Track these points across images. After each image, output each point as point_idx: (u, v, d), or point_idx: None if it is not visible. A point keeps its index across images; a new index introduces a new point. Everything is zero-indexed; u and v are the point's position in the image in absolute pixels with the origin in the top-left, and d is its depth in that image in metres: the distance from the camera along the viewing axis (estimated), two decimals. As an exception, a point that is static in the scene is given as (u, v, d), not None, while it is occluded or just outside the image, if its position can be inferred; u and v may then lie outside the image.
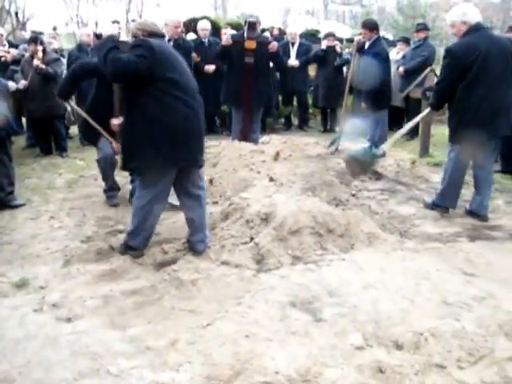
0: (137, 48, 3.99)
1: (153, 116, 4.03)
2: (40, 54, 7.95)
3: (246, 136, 7.61)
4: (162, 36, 4.34)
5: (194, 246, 4.40)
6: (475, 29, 5.07)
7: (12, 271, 4.18)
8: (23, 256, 4.49)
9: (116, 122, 4.45)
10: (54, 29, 8.78)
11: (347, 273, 4.01)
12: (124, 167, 4.49)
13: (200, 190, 4.46)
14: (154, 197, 4.24)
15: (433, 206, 5.51)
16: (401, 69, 9.75)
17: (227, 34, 7.69)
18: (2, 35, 9.69)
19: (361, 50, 7.98)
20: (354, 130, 7.78)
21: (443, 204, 5.44)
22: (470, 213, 5.35)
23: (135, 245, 4.36)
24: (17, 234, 5.03)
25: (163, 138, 4.03)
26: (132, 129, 4.15)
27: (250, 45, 7.42)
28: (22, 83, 8.00)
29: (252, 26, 7.51)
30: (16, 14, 13.00)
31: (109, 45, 4.05)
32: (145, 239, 4.40)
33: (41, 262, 4.36)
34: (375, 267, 4.06)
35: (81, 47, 9.15)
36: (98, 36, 8.78)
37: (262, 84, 7.68)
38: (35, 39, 8.24)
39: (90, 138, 5.87)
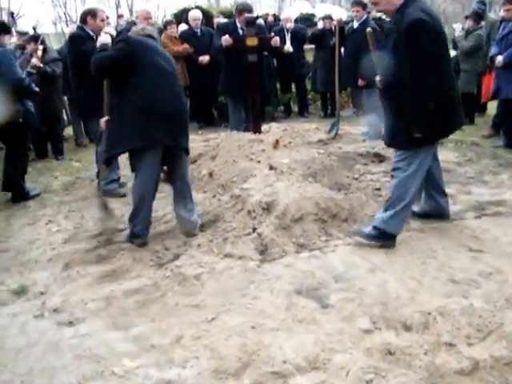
0: (117, 43, 4.57)
1: (130, 100, 4.37)
2: (39, 53, 7.88)
3: (259, 126, 7.62)
4: (150, 37, 4.67)
5: (182, 224, 4.71)
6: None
7: (10, 279, 4.20)
8: (21, 262, 4.51)
9: (103, 120, 4.66)
10: (34, 29, 8.72)
11: (353, 257, 4.05)
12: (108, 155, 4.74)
13: (187, 182, 4.77)
14: (140, 181, 4.54)
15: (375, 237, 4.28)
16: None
17: (226, 35, 7.59)
18: None
19: (342, 30, 8.26)
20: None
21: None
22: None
23: (137, 231, 4.57)
24: (14, 240, 5.05)
25: (139, 119, 4.34)
26: (116, 117, 4.52)
27: (252, 42, 7.37)
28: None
29: (251, 22, 7.48)
30: (12, 14, 13.05)
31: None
32: (145, 227, 4.63)
33: (40, 268, 4.38)
34: (381, 249, 4.08)
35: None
36: None
37: (264, 78, 7.83)
38: (35, 38, 8.20)
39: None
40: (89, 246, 4.70)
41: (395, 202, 4.21)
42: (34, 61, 7.77)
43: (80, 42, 5.78)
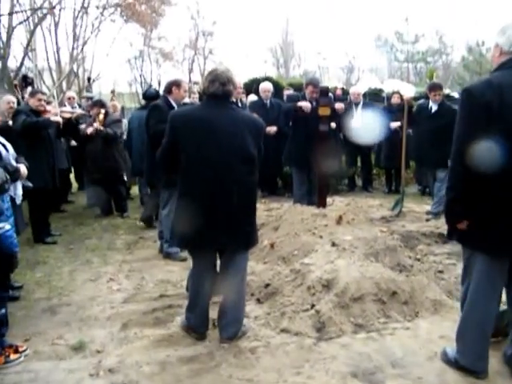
0: (167, 126, 4.01)
1: (178, 191, 4.05)
2: (101, 117, 8.45)
3: (324, 200, 7.62)
4: (220, 96, 3.95)
5: (220, 330, 4.15)
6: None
7: (70, 333, 4.32)
8: (81, 318, 4.63)
9: None
10: (112, 92, 9.66)
11: (411, 342, 3.97)
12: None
13: (235, 273, 4.08)
14: (192, 275, 4.26)
15: (456, 365, 3.57)
16: None
17: (307, 103, 7.70)
18: (73, 98, 10.43)
19: (410, 108, 8.36)
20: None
21: (466, 365, 3.50)
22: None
23: (192, 325, 4.19)
24: (76, 295, 5.21)
25: (180, 217, 4.00)
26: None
27: (325, 112, 7.46)
28: (89, 129, 8.43)
29: (325, 92, 7.59)
30: (89, 79, 14.12)
31: None
32: (202, 322, 4.19)
33: (98, 325, 4.49)
34: (441, 337, 3.98)
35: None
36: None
37: (332, 149, 7.81)
38: (98, 102, 8.80)
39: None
40: (147, 308, 4.79)
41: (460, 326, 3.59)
42: (95, 125, 8.38)
43: (158, 113, 6.00)
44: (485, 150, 3.08)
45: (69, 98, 10.61)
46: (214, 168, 3.83)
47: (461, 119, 3.26)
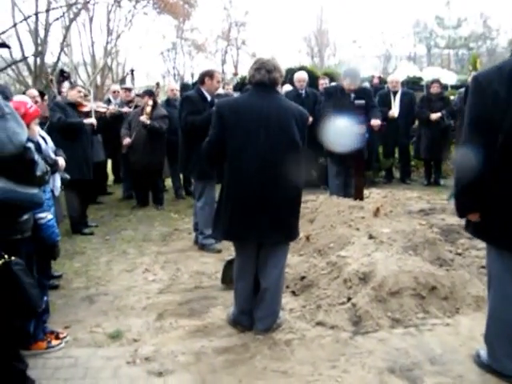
0: (213, 116, 4.00)
1: (224, 183, 3.99)
2: (148, 109, 8.45)
3: (361, 193, 7.57)
4: (267, 84, 3.96)
5: (255, 322, 4.19)
6: None
7: (107, 322, 4.43)
8: (118, 307, 4.75)
9: None
10: (157, 84, 9.85)
11: (452, 339, 3.94)
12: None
13: (274, 265, 4.11)
14: (236, 267, 4.24)
15: (489, 369, 3.49)
16: None
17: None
18: (118, 91, 10.48)
19: None
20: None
21: (498, 369, 3.42)
22: None
23: (235, 318, 4.24)
24: (112, 285, 5.33)
25: (225, 208, 3.94)
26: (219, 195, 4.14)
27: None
28: (126, 141, 8.57)
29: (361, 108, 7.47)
30: (132, 71, 14.11)
31: None
32: (242, 314, 4.22)
33: (135, 315, 4.59)
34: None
35: (169, 101, 9.62)
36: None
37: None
38: (149, 92, 8.84)
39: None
40: (182, 298, 4.88)
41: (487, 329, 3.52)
42: (142, 118, 8.39)
43: (190, 103, 6.13)
44: (493, 141, 3.05)
45: (114, 92, 10.69)
46: (262, 158, 3.82)
47: (469, 108, 3.20)
